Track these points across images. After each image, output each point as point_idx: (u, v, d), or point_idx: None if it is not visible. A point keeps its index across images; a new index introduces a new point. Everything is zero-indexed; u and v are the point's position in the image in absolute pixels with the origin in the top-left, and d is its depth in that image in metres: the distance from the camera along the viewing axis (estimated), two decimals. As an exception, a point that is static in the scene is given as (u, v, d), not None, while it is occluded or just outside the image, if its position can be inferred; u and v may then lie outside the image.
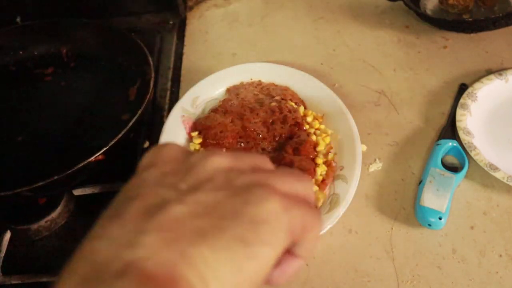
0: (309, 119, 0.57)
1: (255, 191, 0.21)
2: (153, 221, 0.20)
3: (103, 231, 0.20)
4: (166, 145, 0.26)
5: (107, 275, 0.18)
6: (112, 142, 0.50)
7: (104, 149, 0.50)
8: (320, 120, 0.57)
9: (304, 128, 0.55)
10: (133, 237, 0.19)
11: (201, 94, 0.60)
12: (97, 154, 0.49)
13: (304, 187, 0.24)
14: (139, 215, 0.20)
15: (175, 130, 0.56)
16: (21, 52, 0.70)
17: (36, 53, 0.70)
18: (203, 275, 0.18)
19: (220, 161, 0.23)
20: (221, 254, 0.19)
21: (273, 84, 0.61)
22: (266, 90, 0.60)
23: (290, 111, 0.56)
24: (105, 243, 0.19)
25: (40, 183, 0.47)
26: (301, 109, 0.58)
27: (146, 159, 0.25)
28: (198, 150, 0.54)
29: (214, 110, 0.58)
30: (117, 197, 0.23)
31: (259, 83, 0.61)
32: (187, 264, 0.18)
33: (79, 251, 0.20)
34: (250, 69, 0.63)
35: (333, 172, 0.52)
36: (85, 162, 0.48)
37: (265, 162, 0.25)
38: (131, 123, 0.53)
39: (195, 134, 0.55)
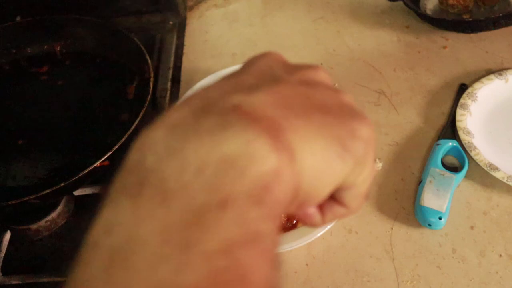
0: None
1: (358, 113, 0.23)
2: (266, 86, 0.21)
3: (217, 84, 0.21)
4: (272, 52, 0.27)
5: (218, 109, 0.19)
6: (116, 146, 0.50)
7: (109, 153, 0.50)
8: None
9: None
10: (246, 90, 0.20)
11: None
12: (102, 159, 0.49)
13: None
14: (253, 79, 0.22)
15: None
16: (14, 51, 0.70)
17: (29, 51, 0.70)
18: (302, 145, 0.19)
19: (327, 76, 0.25)
20: (321, 141, 0.20)
21: None
22: None
23: None
24: (218, 91, 0.20)
25: (47, 191, 0.47)
26: None
27: (251, 58, 0.26)
28: None
29: None
30: (230, 73, 0.24)
31: None
32: (291, 129, 0.19)
33: (189, 97, 0.21)
34: None
35: None
36: (91, 167, 0.48)
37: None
38: (134, 126, 0.53)
39: None
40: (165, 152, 0.18)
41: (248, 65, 0.25)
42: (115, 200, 0.18)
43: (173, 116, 0.19)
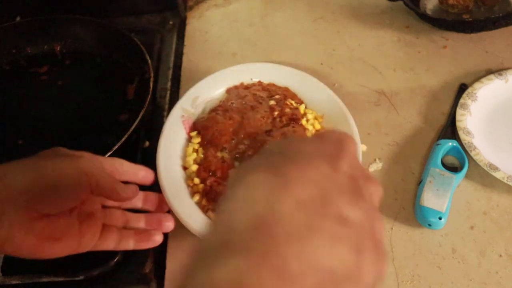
0: (309, 116, 0.57)
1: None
2: (321, 247, 0.21)
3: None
4: (345, 136, 0.28)
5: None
6: (116, 146, 0.50)
7: (109, 153, 0.50)
8: (320, 120, 0.57)
9: (300, 122, 0.56)
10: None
11: (201, 94, 0.60)
12: None
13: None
14: (306, 220, 0.21)
15: (175, 130, 0.56)
16: (14, 51, 0.70)
17: (29, 51, 0.70)
18: None
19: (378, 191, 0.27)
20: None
21: (273, 85, 0.61)
22: (266, 90, 0.60)
23: (290, 108, 0.56)
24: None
25: None
26: (302, 107, 0.58)
27: (311, 145, 0.27)
28: (197, 150, 0.54)
29: (214, 110, 0.58)
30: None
31: (259, 83, 0.62)
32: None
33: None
34: (250, 69, 0.63)
35: None
36: None
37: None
38: (134, 126, 0.53)
39: (194, 133, 0.55)
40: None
41: (305, 171, 0.24)
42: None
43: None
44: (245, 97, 0.58)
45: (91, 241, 0.40)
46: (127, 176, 0.44)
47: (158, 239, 0.45)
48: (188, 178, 0.52)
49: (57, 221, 0.37)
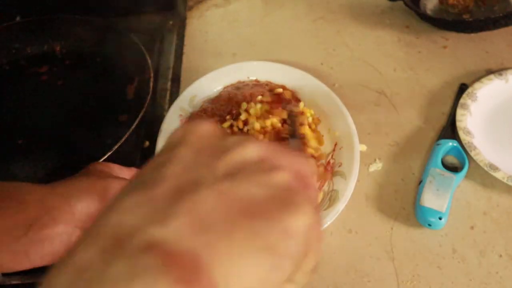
0: (308, 114, 0.56)
1: (292, 198, 0.20)
2: (184, 203, 0.19)
3: (128, 204, 0.19)
4: (199, 122, 0.25)
5: (129, 249, 0.17)
6: (116, 146, 0.50)
7: (109, 153, 0.50)
8: (317, 122, 0.57)
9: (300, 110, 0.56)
10: (161, 217, 0.18)
11: (198, 93, 0.60)
12: (102, 160, 0.49)
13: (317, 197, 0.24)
14: (170, 193, 0.19)
15: (172, 129, 0.56)
16: (14, 51, 0.70)
17: (29, 51, 0.70)
18: (226, 274, 0.18)
19: (258, 149, 0.22)
20: (250, 257, 0.18)
21: (270, 83, 0.61)
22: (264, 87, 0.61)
23: (289, 102, 0.57)
24: (130, 217, 0.19)
25: None
26: (301, 105, 0.58)
27: (177, 134, 0.24)
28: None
29: (206, 102, 0.59)
30: (144, 170, 0.22)
31: (256, 81, 0.62)
32: (212, 258, 0.18)
33: (97, 222, 0.19)
34: (247, 67, 0.63)
35: (330, 174, 0.52)
36: None
37: (305, 164, 0.23)
38: (134, 126, 0.53)
39: None
40: None
41: (170, 155, 0.22)
42: None
43: (80, 256, 0.18)
44: (239, 92, 0.59)
45: None
46: None
47: None
48: None
49: None
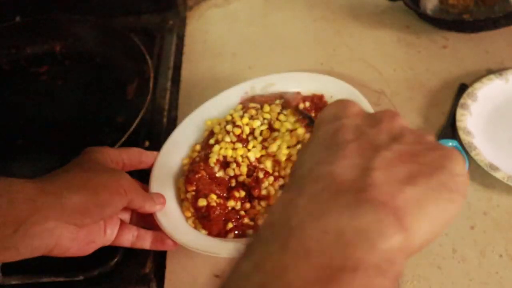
0: (267, 164, 0.49)
1: (447, 150, 0.25)
2: (374, 160, 0.24)
3: (329, 159, 0.25)
4: (347, 100, 0.30)
5: (351, 188, 0.23)
6: (116, 146, 0.51)
7: None
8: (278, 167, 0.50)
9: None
10: (364, 171, 0.24)
11: (206, 116, 0.56)
12: None
13: None
14: (358, 153, 0.25)
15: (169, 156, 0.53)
16: (14, 51, 0.70)
17: (29, 51, 0.70)
18: (414, 210, 0.22)
19: (400, 120, 0.28)
20: (430, 194, 0.23)
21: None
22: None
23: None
24: (341, 171, 0.24)
25: None
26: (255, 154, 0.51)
27: (330, 110, 0.30)
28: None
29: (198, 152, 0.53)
30: (314, 140, 0.28)
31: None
32: (403, 199, 0.22)
33: (311, 172, 0.25)
34: (262, 82, 0.58)
35: None
36: None
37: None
38: (133, 126, 0.53)
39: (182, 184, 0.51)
40: (308, 217, 0.22)
41: (337, 125, 0.28)
42: (266, 243, 0.22)
43: (311, 189, 0.24)
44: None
45: (110, 236, 0.44)
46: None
47: (171, 243, 0.46)
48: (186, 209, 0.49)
49: (94, 227, 0.42)
